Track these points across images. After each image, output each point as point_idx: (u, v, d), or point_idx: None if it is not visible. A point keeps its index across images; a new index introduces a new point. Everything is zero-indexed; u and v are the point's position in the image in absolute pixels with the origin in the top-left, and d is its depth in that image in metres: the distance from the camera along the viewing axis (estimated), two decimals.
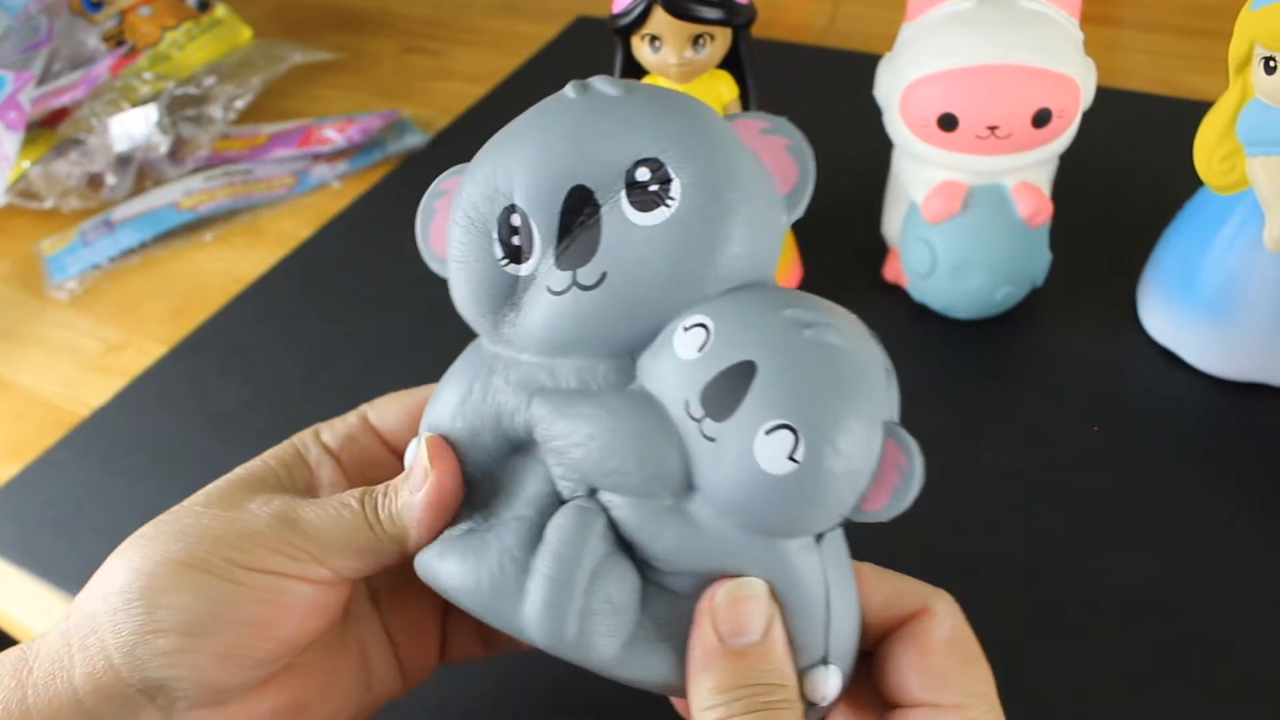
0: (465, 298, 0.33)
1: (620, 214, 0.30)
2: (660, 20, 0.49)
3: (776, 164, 0.31)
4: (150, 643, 0.30)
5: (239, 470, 0.35)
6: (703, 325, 0.28)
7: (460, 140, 0.83)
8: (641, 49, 0.50)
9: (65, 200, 0.80)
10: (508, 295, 0.32)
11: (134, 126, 0.80)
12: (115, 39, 0.90)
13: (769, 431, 0.27)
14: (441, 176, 0.34)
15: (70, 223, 0.79)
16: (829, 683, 0.30)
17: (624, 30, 0.50)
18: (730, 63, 0.53)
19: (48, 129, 0.82)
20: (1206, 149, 0.49)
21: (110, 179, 0.80)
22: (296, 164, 0.82)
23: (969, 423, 0.53)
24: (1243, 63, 0.46)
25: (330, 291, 0.69)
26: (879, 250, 0.62)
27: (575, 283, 0.30)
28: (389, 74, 0.96)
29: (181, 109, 0.85)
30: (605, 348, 0.30)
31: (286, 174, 0.80)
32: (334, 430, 0.37)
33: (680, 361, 0.28)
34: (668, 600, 0.30)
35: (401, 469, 0.36)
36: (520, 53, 0.94)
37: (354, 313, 0.66)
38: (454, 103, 0.88)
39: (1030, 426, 0.53)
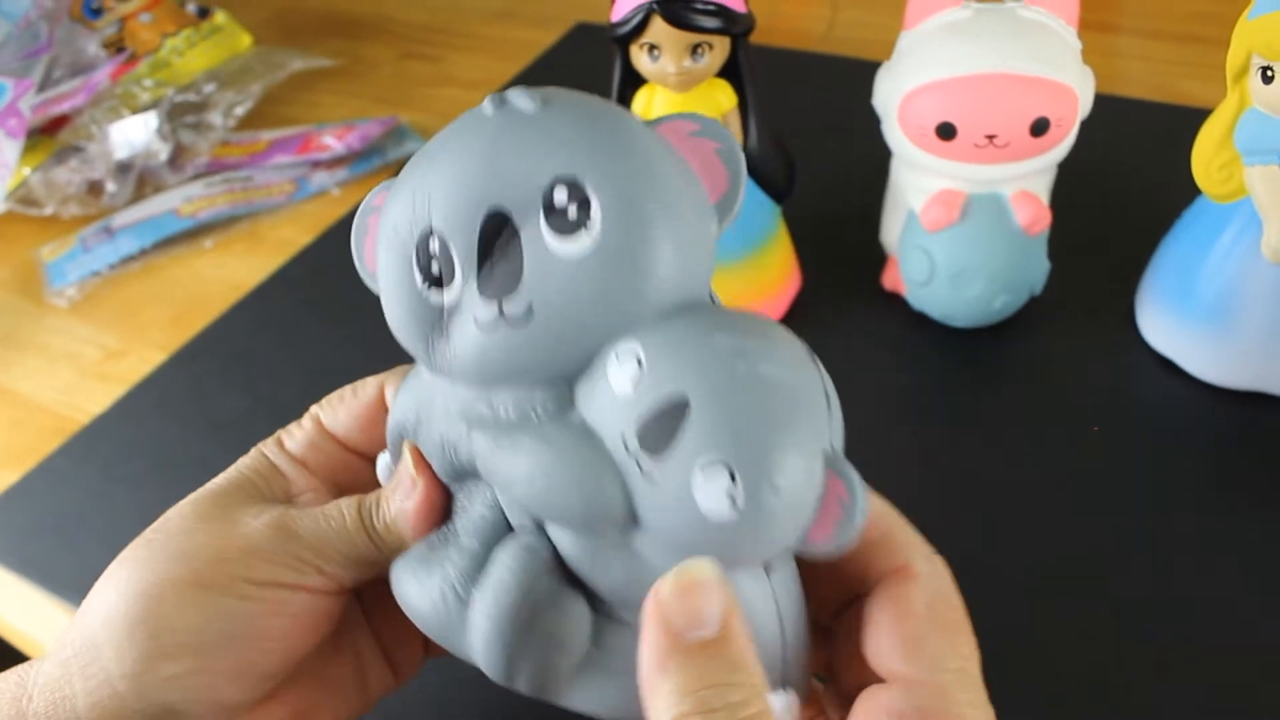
0: (396, 324, 0.32)
1: (540, 240, 0.28)
2: (659, 29, 0.49)
3: (706, 169, 0.30)
4: (158, 668, 0.30)
5: (218, 482, 0.35)
6: (634, 356, 0.27)
7: None
8: (640, 58, 0.51)
9: (65, 207, 0.80)
10: (435, 322, 0.30)
11: (134, 134, 0.80)
12: (115, 46, 0.91)
13: (705, 471, 0.26)
14: (373, 191, 0.33)
15: (70, 229, 0.80)
16: (789, 711, 0.30)
17: (622, 39, 0.50)
18: (729, 71, 0.53)
19: (48, 136, 0.82)
20: (1204, 158, 0.49)
21: (110, 186, 0.80)
22: (296, 171, 0.82)
23: (967, 430, 0.53)
24: (1240, 72, 0.46)
25: (330, 298, 0.69)
26: (878, 258, 0.62)
27: (501, 315, 0.29)
28: (388, 80, 0.97)
29: (181, 116, 0.85)
30: (540, 378, 0.29)
31: (286, 181, 0.81)
32: (295, 438, 0.37)
33: (614, 395, 0.28)
34: (618, 631, 0.30)
35: (366, 471, 0.37)
36: (519, 59, 0.94)
37: (354, 319, 0.66)
38: (453, 109, 0.87)
39: (1028, 435, 0.53)
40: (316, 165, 0.82)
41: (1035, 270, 0.55)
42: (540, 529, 0.30)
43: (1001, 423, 0.54)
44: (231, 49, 0.95)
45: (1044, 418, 0.54)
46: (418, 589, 0.31)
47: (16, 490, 0.58)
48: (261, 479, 0.35)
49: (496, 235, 0.29)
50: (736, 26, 0.50)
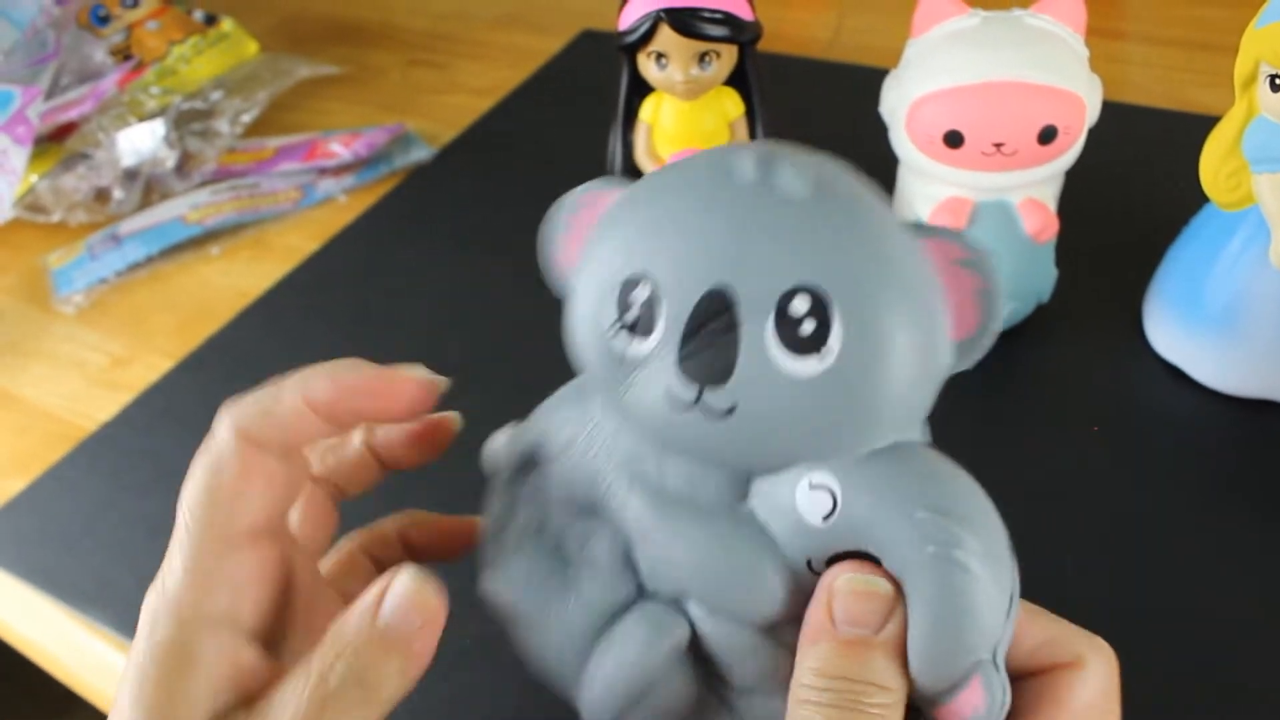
0: (578, 346, 0.29)
1: (762, 342, 0.25)
2: (666, 38, 0.49)
3: (960, 304, 0.27)
4: None
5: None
6: (831, 493, 0.27)
7: (466, 154, 0.83)
8: (648, 66, 0.51)
9: (72, 214, 0.80)
10: (619, 364, 0.28)
11: (141, 141, 0.80)
12: (122, 53, 0.91)
13: None
14: (583, 189, 0.30)
15: (77, 236, 0.80)
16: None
17: (630, 47, 0.50)
18: (737, 79, 0.53)
19: (55, 143, 0.82)
20: (1212, 166, 0.49)
21: (117, 193, 0.80)
22: (302, 178, 0.82)
23: (974, 438, 0.53)
24: (1248, 80, 0.46)
25: (336, 305, 0.69)
26: None
27: (701, 401, 0.26)
28: (394, 87, 0.97)
29: (188, 123, 0.85)
30: (721, 464, 0.28)
31: (292, 188, 0.81)
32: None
33: (802, 520, 0.27)
34: (722, 713, 0.30)
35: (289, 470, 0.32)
36: (525, 66, 0.94)
37: (360, 327, 0.66)
38: (459, 116, 0.88)
39: (1035, 442, 0.53)
40: (323, 172, 0.82)
41: (1043, 278, 0.55)
42: (676, 604, 0.30)
43: (1009, 430, 0.54)
44: (238, 56, 0.95)
45: (1051, 425, 0.53)
46: (537, 627, 0.31)
47: (23, 498, 0.58)
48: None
49: (714, 316, 0.26)
50: (744, 35, 0.50)
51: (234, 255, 0.76)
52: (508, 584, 0.31)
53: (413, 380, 0.32)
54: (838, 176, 0.27)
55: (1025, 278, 0.54)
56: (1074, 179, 0.54)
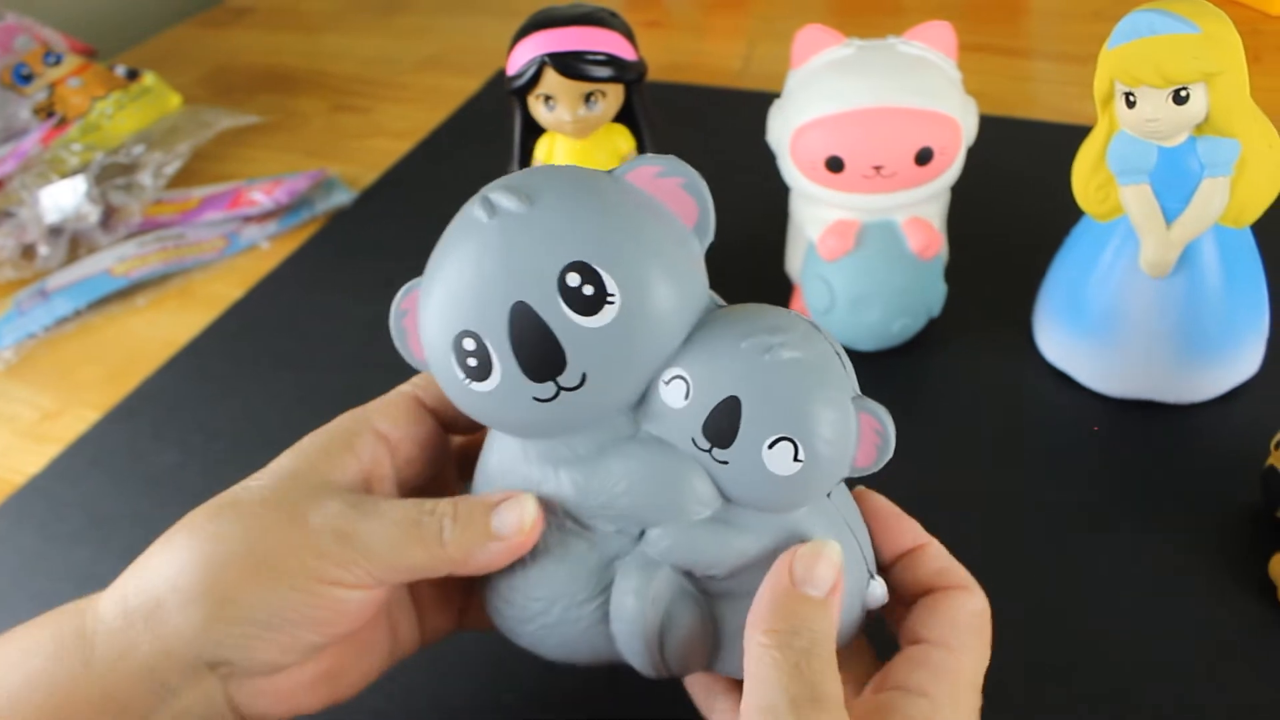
0: (457, 401, 0.35)
1: (568, 320, 0.32)
2: (552, 80, 0.50)
3: (677, 203, 0.34)
4: (219, 631, 0.34)
5: (289, 464, 0.37)
6: (680, 377, 0.33)
7: (385, 197, 0.85)
8: (537, 108, 0.52)
9: (0, 271, 0.81)
10: (486, 401, 0.34)
11: (63, 198, 0.81)
12: (46, 110, 0.92)
13: (771, 446, 0.32)
14: (400, 296, 0.36)
15: (5, 293, 0.80)
16: (879, 590, 0.36)
17: (519, 91, 0.52)
18: (626, 115, 0.55)
19: None
20: (1083, 179, 0.51)
21: (43, 249, 0.81)
22: (227, 226, 0.83)
23: None
24: (1107, 98, 0.49)
25: (261, 351, 0.70)
26: (786, 287, 0.64)
27: (560, 389, 0.33)
28: (318, 133, 0.98)
29: (111, 178, 0.86)
30: (604, 417, 0.34)
31: (217, 237, 0.82)
32: (388, 416, 0.39)
33: (673, 410, 0.33)
34: (735, 605, 0.35)
35: (445, 442, 0.41)
36: (444, 106, 0.96)
37: (284, 371, 0.68)
38: (381, 159, 0.90)
39: (932, 451, 0.54)
40: (247, 220, 0.83)
41: (932, 293, 0.58)
42: (635, 561, 0.35)
43: (905, 441, 0.55)
44: (160, 109, 0.96)
45: (946, 434, 0.55)
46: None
47: None
48: (333, 465, 0.37)
49: (524, 325, 0.32)
50: (628, 74, 0.52)
51: (160, 305, 0.77)
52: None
53: None
54: (546, 177, 0.34)
55: (915, 294, 0.56)
56: (966, 194, 0.56)
